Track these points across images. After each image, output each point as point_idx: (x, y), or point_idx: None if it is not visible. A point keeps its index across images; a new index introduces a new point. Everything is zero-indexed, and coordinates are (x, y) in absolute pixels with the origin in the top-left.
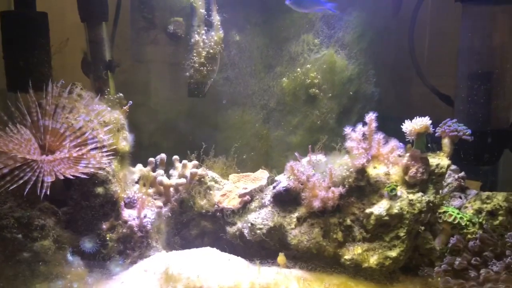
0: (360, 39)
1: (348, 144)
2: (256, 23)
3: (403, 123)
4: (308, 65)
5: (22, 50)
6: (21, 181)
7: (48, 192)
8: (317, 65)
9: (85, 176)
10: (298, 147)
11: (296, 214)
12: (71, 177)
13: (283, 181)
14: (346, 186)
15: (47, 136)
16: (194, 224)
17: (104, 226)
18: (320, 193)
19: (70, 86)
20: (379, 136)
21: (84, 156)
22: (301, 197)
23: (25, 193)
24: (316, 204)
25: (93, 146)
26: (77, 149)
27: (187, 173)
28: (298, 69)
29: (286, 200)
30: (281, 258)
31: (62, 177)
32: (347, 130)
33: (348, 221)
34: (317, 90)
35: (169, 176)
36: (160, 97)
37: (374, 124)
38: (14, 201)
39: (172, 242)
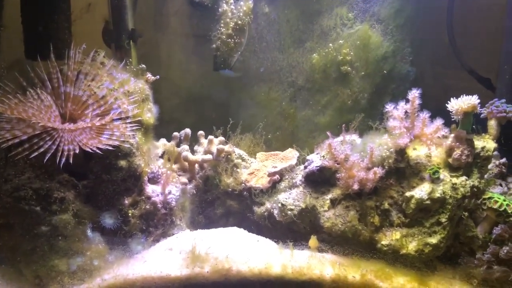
0: (397, 14)
1: (390, 123)
2: None
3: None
4: (340, 41)
5: (42, 15)
6: (41, 150)
7: (71, 161)
8: (350, 41)
9: (110, 148)
10: (326, 128)
11: (329, 196)
12: (93, 149)
13: (316, 160)
14: (386, 167)
15: (68, 104)
16: (219, 203)
17: (126, 202)
18: (359, 173)
19: (93, 52)
20: (425, 114)
21: (107, 127)
22: (335, 177)
23: (44, 162)
24: (355, 185)
25: (117, 116)
26: (100, 118)
27: (213, 149)
28: (330, 45)
29: (319, 180)
30: (313, 241)
31: (86, 148)
32: (389, 107)
33: (386, 205)
34: (349, 68)
35: (193, 152)
36: (182, 71)
37: (417, 102)
38: (32, 171)
39: (196, 221)
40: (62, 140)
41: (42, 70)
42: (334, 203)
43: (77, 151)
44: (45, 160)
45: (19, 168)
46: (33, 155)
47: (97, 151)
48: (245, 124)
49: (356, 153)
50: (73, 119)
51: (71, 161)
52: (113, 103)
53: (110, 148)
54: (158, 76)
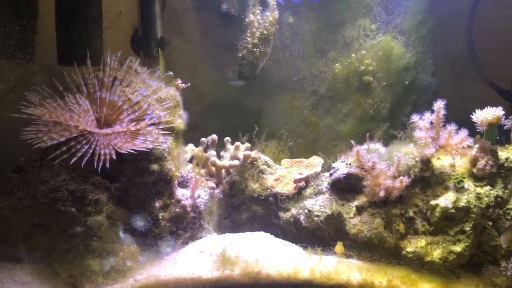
0: (420, 26)
1: (416, 133)
2: (311, 5)
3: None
4: (363, 51)
5: (75, 22)
6: (79, 154)
7: (107, 165)
8: (372, 51)
9: (145, 149)
10: (348, 137)
11: (355, 203)
12: (129, 151)
13: (342, 167)
14: (412, 176)
15: (103, 109)
16: (245, 208)
17: (156, 205)
18: (385, 182)
19: (129, 60)
20: (452, 126)
21: (141, 132)
22: (361, 185)
23: (82, 165)
24: (381, 193)
25: (150, 121)
26: (135, 123)
27: (240, 155)
28: (353, 55)
29: (345, 187)
30: (339, 247)
31: (122, 151)
32: (415, 118)
33: (411, 213)
34: (371, 78)
35: (219, 158)
36: (207, 79)
37: (442, 112)
38: (67, 173)
39: (223, 225)
40: (98, 144)
41: (78, 76)
42: (360, 210)
43: (113, 156)
44: (83, 164)
45: (54, 170)
46: (73, 160)
47: (133, 152)
48: (268, 132)
49: (382, 161)
50: (107, 124)
51: (107, 165)
52: (147, 109)
53: (145, 149)
54: (189, 84)
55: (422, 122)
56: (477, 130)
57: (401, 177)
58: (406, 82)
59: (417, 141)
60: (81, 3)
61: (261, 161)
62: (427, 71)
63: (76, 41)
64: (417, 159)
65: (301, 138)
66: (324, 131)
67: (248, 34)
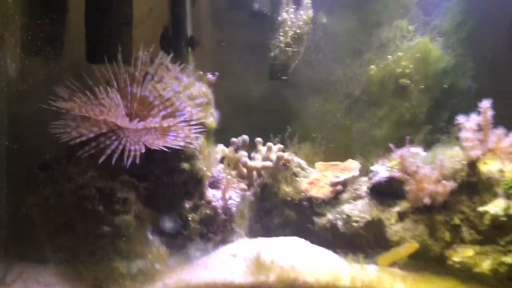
0: (459, 28)
1: (463, 134)
2: (346, 5)
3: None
4: (399, 53)
5: (105, 18)
6: (108, 151)
7: (137, 161)
8: (409, 53)
9: (177, 147)
10: (382, 142)
11: (397, 209)
12: (161, 148)
13: (382, 171)
14: (458, 180)
15: (134, 104)
16: (277, 212)
17: (186, 205)
18: (429, 186)
19: (161, 55)
20: (500, 130)
21: (173, 128)
22: (402, 189)
23: (112, 162)
24: (425, 198)
25: (182, 118)
26: (169, 119)
27: (272, 156)
28: (389, 57)
29: (386, 192)
30: (384, 259)
31: (154, 147)
32: (461, 119)
33: (456, 220)
34: (408, 81)
35: (250, 159)
36: (236, 79)
37: (489, 113)
38: (95, 170)
39: (254, 230)
40: (128, 140)
41: (109, 70)
42: (402, 216)
43: (143, 151)
44: (113, 161)
45: (82, 167)
46: (102, 157)
47: (165, 149)
48: (299, 135)
49: (426, 165)
50: (138, 120)
51: (137, 161)
52: (179, 105)
53: (177, 147)
54: (217, 73)
55: (468, 123)
56: None
57: (444, 181)
58: (445, 86)
59: (463, 142)
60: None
61: (295, 163)
62: (466, 75)
63: (106, 38)
64: (463, 162)
65: (333, 143)
66: (357, 136)
67: (281, 33)
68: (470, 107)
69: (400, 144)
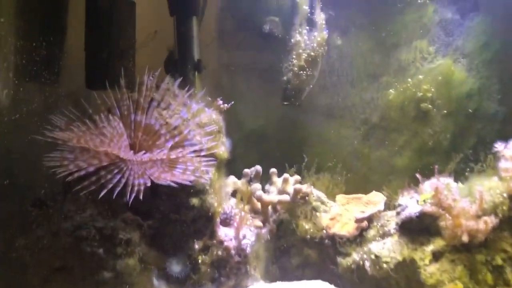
0: (484, 49)
1: (502, 164)
2: (362, 26)
3: None
4: (420, 76)
5: (106, 41)
6: (110, 185)
7: (141, 197)
8: (431, 76)
9: (188, 183)
10: (404, 171)
11: (430, 247)
12: (169, 183)
13: (412, 205)
14: (500, 215)
15: (138, 134)
16: (295, 252)
17: (196, 246)
18: (467, 222)
19: (167, 80)
20: None
21: (181, 160)
22: (436, 225)
23: (113, 198)
24: (464, 236)
25: (192, 148)
26: (177, 150)
27: (289, 189)
28: (409, 80)
29: (416, 228)
30: None
31: (161, 182)
32: (499, 146)
33: (499, 260)
34: (429, 105)
35: (265, 192)
36: (246, 104)
37: None
38: (94, 208)
39: (270, 272)
40: (131, 173)
41: (110, 96)
42: (437, 256)
43: (148, 185)
44: (114, 196)
45: (80, 204)
46: (102, 193)
47: (173, 185)
48: (312, 164)
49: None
50: (143, 152)
51: (141, 197)
52: (188, 134)
53: (187, 182)
54: (232, 102)
55: (508, 151)
56: None
57: (486, 217)
58: (470, 110)
59: (502, 173)
60: (113, 20)
61: (314, 196)
62: (493, 98)
63: (107, 63)
64: (504, 194)
65: (350, 172)
66: (376, 165)
67: (294, 56)
68: (498, 133)
69: (424, 173)
